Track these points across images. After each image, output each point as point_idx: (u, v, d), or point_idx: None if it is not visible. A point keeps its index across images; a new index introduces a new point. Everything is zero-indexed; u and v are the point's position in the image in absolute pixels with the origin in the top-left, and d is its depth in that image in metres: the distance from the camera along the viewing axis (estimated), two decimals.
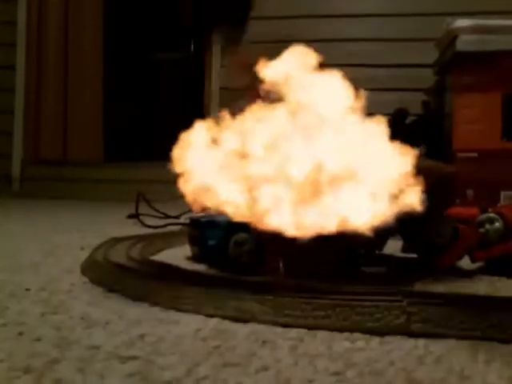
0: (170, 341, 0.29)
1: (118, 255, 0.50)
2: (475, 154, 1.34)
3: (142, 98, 2.48)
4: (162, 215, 1.07)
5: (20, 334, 0.30)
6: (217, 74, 2.00)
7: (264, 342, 0.29)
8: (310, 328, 0.32)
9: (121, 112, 2.42)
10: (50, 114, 2.06)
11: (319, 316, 0.32)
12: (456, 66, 1.37)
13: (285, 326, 0.32)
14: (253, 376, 0.24)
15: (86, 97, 2.07)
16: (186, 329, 0.32)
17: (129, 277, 0.41)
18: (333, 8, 1.92)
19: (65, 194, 2.00)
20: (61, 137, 2.07)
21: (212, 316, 0.34)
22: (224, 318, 0.34)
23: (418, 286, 0.44)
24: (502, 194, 1.31)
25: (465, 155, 1.35)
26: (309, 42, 1.89)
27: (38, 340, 0.29)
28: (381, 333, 0.31)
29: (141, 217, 0.98)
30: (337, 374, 0.25)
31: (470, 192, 1.32)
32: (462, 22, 1.34)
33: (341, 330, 0.31)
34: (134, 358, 0.26)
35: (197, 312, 0.35)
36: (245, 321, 0.33)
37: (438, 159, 1.47)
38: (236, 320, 0.33)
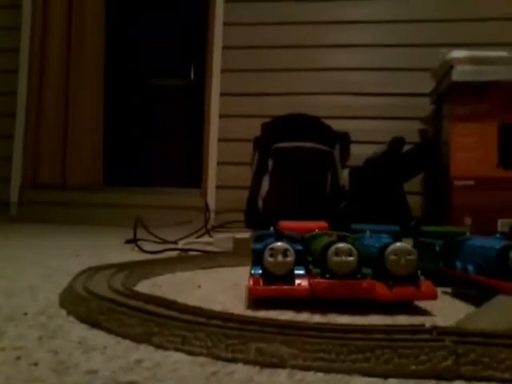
0: (167, 366, 0.29)
1: (101, 287, 0.46)
2: (472, 182, 1.35)
3: (142, 123, 2.50)
4: (160, 240, 1.07)
5: (17, 358, 0.30)
6: (216, 101, 2.02)
7: (262, 368, 0.29)
8: (349, 373, 0.29)
9: (120, 137, 2.44)
10: (50, 139, 2.07)
11: (358, 359, 0.29)
12: (452, 96, 1.40)
13: (319, 371, 0.29)
14: None
15: (86, 121, 2.09)
16: (184, 354, 0.32)
17: (122, 314, 0.37)
18: (332, 38, 1.96)
19: (63, 218, 2.00)
20: (60, 161, 2.08)
21: (231, 361, 0.31)
22: (246, 363, 0.30)
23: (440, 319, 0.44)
24: (499, 221, 1.32)
25: (462, 183, 1.36)
26: (307, 70, 1.93)
27: (36, 364, 0.29)
28: (426, 377, 0.28)
29: (139, 242, 0.98)
30: None
31: (467, 219, 1.32)
32: (457, 53, 1.37)
33: (382, 376, 0.28)
34: (131, 383, 0.26)
35: (212, 356, 0.31)
36: (272, 366, 0.30)
37: (436, 187, 1.48)
38: (261, 365, 0.30)
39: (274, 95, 1.97)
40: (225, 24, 2.03)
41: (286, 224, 0.66)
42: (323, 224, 0.68)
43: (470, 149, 1.36)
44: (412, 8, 1.91)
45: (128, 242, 1.06)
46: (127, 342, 0.34)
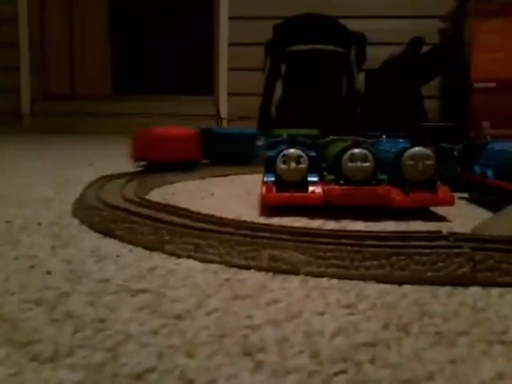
0: (180, 274, 0.29)
1: (113, 196, 0.45)
2: (493, 84, 1.30)
3: (150, 30, 2.41)
4: None
5: (31, 267, 0.30)
6: (225, 3, 1.92)
7: (274, 275, 0.29)
8: (363, 280, 0.28)
9: (129, 45, 2.37)
10: (56, 48, 2.02)
11: (372, 266, 0.28)
12: None
13: (333, 277, 0.29)
14: (263, 308, 0.24)
15: (93, 29, 2.02)
16: (196, 261, 0.32)
17: (134, 223, 0.37)
18: None
19: (75, 128, 1.99)
20: (68, 71, 2.03)
21: (244, 268, 0.30)
22: (259, 269, 0.30)
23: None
24: None
25: (483, 85, 1.30)
26: None
27: (49, 273, 0.29)
28: (443, 284, 0.28)
29: None
30: (348, 306, 0.24)
31: (485, 123, 1.29)
32: None
33: (397, 282, 0.28)
34: (144, 290, 0.26)
35: (225, 263, 0.31)
36: (285, 273, 0.29)
37: (456, 90, 1.43)
38: (273, 272, 0.30)
39: None
40: None
41: (155, 130, 0.69)
42: (191, 131, 0.71)
43: (492, 48, 1.29)
44: None
45: None
46: (140, 250, 0.34)
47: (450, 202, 0.44)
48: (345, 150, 0.44)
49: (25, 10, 2.02)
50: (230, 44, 1.93)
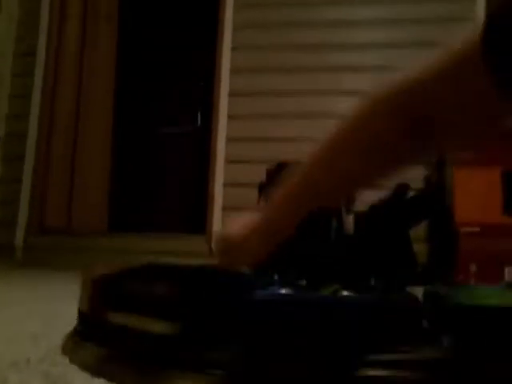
0: None
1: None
2: (478, 229, 1.35)
3: (148, 169, 2.53)
4: None
5: None
6: (222, 146, 2.04)
7: None
8: None
9: (127, 183, 2.46)
10: (57, 184, 2.10)
11: None
12: None
13: None
14: None
15: (93, 167, 2.12)
16: None
17: (124, 363, 0.37)
18: (333, 84, 1.99)
19: (68, 263, 1.99)
20: (66, 206, 2.09)
21: None
22: None
23: None
24: (507, 269, 1.30)
25: (467, 230, 1.35)
26: (312, 117, 1.92)
27: None
28: None
29: None
30: None
31: (473, 267, 1.31)
32: None
33: None
34: None
35: None
36: None
37: (441, 234, 1.45)
38: None
39: (279, 141, 1.99)
40: (231, 70, 2.07)
41: None
42: None
43: (474, 195, 1.36)
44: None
45: None
46: None
47: None
48: (334, 293, 0.46)
49: (33, 150, 2.14)
50: (225, 185, 2.01)
